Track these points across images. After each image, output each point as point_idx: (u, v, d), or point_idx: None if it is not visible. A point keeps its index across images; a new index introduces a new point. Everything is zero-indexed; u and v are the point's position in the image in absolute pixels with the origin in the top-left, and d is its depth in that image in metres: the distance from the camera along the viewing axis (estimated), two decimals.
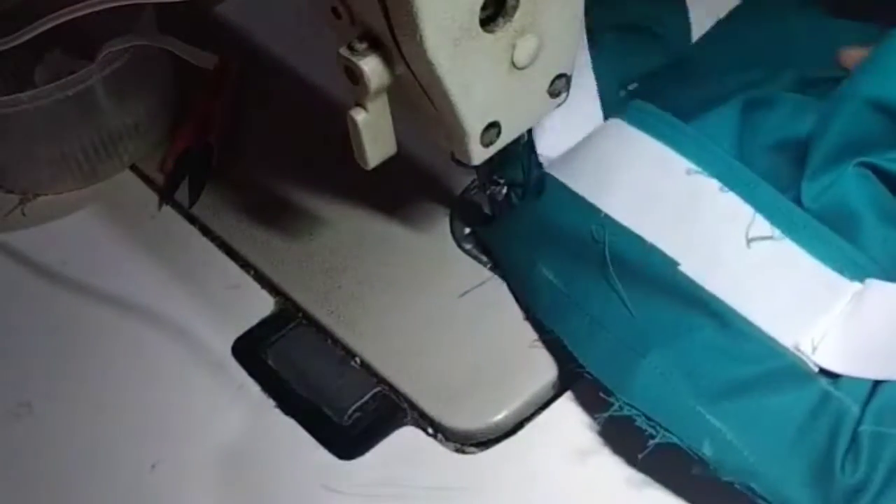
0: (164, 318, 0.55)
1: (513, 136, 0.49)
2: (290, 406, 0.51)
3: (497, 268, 0.54)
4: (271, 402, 0.51)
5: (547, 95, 0.49)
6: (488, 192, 0.54)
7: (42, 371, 0.54)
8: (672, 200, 0.48)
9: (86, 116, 0.61)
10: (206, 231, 0.60)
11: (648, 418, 0.43)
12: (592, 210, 0.49)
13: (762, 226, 0.46)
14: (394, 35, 0.42)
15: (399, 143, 0.48)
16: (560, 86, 0.49)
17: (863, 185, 0.47)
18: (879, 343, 0.43)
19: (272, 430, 0.50)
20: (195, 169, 0.63)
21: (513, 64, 0.45)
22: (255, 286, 0.57)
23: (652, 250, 0.46)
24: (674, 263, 0.46)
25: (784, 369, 0.43)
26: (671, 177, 0.48)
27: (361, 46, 0.43)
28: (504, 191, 0.54)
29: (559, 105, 0.50)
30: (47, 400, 0.53)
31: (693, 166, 0.48)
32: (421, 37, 0.41)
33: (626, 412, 0.43)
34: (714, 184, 0.47)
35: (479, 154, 0.48)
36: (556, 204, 0.51)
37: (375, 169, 0.48)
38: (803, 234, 0.45)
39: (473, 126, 0.46)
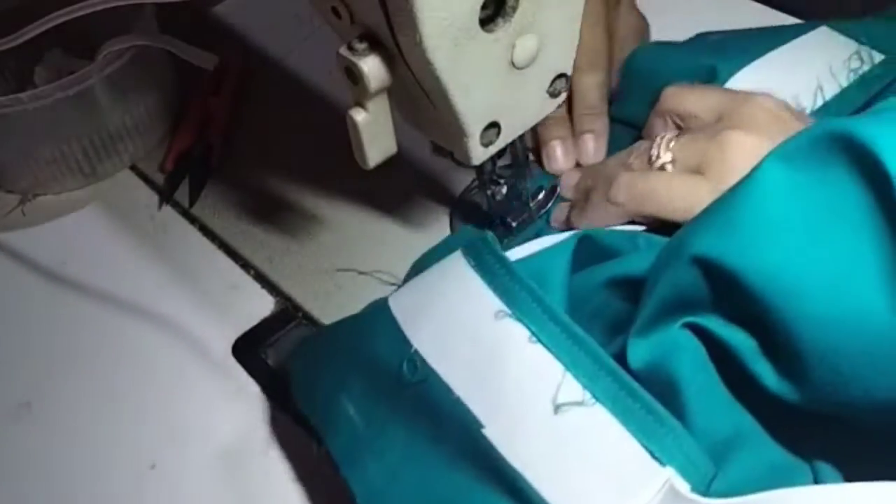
0: (164, 318, 0.55)
1: (513, 136, 0.49)
2: (290, 406, 0.51)
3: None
4: (271, 402, 0.51)
5: (547, 95, 0.49)
6: (488, 191, 0.54)
7: (42, 371, 0.54)
8: (480, 347, 0.40)
9: (86, 116, 0.61)
10: (206, 231, 0.60)
11: None
12: (405, 342, 0.42)
13: (572, 388, 0.38)
14: (394, 35, 0.42)
15: (399, 143, 0.48)
16: (560, 86, 0.49)
17: (686, 350, 0.40)
18: None
19: (272, 430, 0.50)
20: (195, 169, 0.63)
21: (512, 64, 0.45)
22: (255, 286, 0.57)
23: (457, 404, 0.40)
24: (478, 425, 0.39)
25: None
26: (481, 318, 0.41)
27: (361, 46, 0.43)
28: (504, 191, 0.54)
29: (559, 105, 0.50)
30: (47, 400, 0.53)
31: (504, 308, 0.40)
32: (420, 37, 0.41)
33: None
34: (522, 332, 0.39)
35: (478, 154, 0.48)
36: (374, 325, 0.44)
37: (375, 169, 0.48)
38: (618, 402, 0.37)
39: (473, 126, 0.46)
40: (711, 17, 0.66)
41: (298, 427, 0.50)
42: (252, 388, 0.52)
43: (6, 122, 0.60)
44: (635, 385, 0.38)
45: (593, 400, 0.37)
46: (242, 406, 0.51)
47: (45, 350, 0.55)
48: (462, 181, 0.59)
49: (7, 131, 0.61)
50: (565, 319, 0.39)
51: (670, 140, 0.50)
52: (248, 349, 0.54)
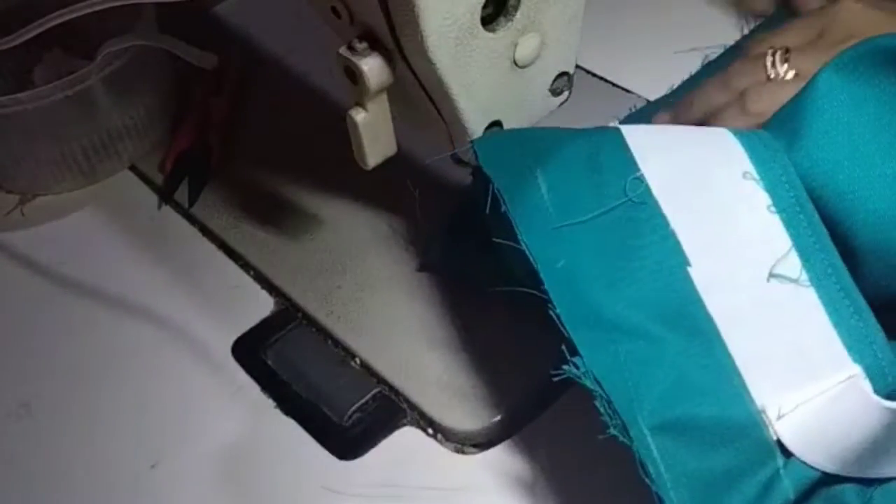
0: (164, 319, 0.55)
1: None
2: (290, 406, 0.51)
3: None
4: (271, 402, 0.51)
5: (548, 94, 0.49)
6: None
7: (42, 371, 0.54)
8: (715, 197, 0.42)
9: (85, 116, 0.61)
10: (205, 231, 0.60)
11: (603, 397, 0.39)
12: (630, 163, 0.43)
13: (792, 264, 0.41)
14: (394, 35, 0.42)
15: (399, 143, 0.48)
16: (562, 84, 0.49)
17: None
18: (842, 440, 0.39)
19: (272, 430, 0.50)
20: (195, 169, 0.63)
21: (514, 63, 0.45)
22: (255, 286, 0.57)
23: (668, 238, 0.41)
24: (685, 262, 0.41)
25: (742, 425, 0.39)
26: (727, 172, 0.43)
27: (361, 46, 0.43)
28: None
29: (561, 104, 0.50)
30: (46, 400, 0.53)
31: (754, 172, 0.42)
32: (422, 36, 0.41)
33: (581, 381, 0.39)
34: (764, 199, 0.42)
35: None
36: (597, 137, 0.45)
37: (375, 169, 0.48)
38: (830, 292, 0.40)
39: (475, 125, 0.46)
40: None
41: (298, 427, 0.50)
42: (252, 388, 0.52)
43: (5, 123, 0.60)
44: (851, 283, 0.40)
45: (808, 281, 0.40)
46: (242, 406, 0.51)
47: (44, 350, 0.55)
48: (462, 181, 0.59)
49: (6, 131, 0.61)
50: (806, 201, 0.41)
51: (784, 55, 0.54)
52: (248, 349, 0.53)
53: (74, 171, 0.63)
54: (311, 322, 0.54)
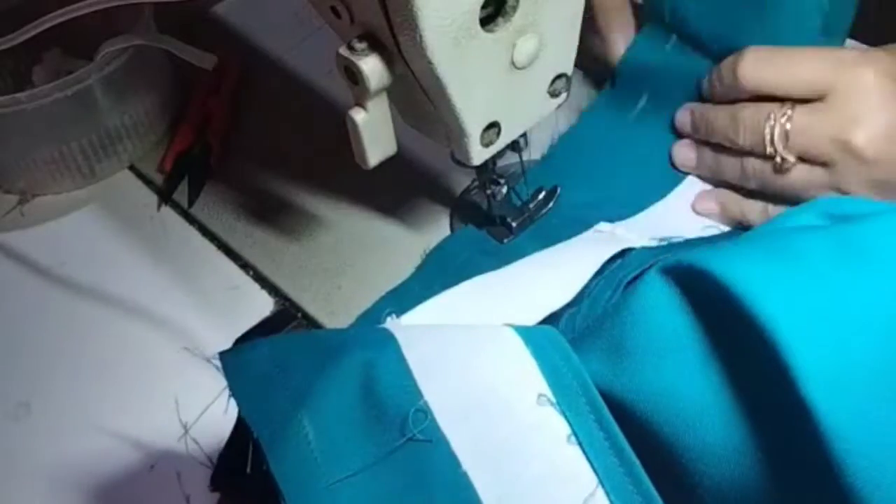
0: (164, 319, 0.55)
1: (513, 136, 0.49)
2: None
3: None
4: None
5: (547, 95, 0.49)
6: (488, 191, 0.54)
7: (41, 371, 0.54)
8: (508, 428, 0.35)
9: (84, 116, 0.61)
10: (205, 231, 0.60)
11: None
12: (412, 389, 0.36)
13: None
14: (393, 35, 0.42)
15: (399, 143, 0.48)
16: (560, 86, 0.48)
17: None
18: None
19: None
20: (195, 169, 0.63)
21: (513, 64, 0.45)
22: (255, 286, 0.57)
23: (461, 481, 0.34)
24: None
25: None
26: (519, 397, 0.35)
27: (361, 46, 0.43)
28: (504, 191, 0.54)
29: (559, 105, 0.50)
30: (46, 400, 0.53)
31: (549, 394, 0.35)
32: (420, 36, 0.41)
33: None
34: (563, 428, 0.34)
35: (478, 154, 0.48)
36: (369, 351, 0.37)
37: (375, 169, 0.48)
38: None
39: (473, 126, 0.46)
40: None
41: None
42: None
43: (5, 123, 0.60)
44: None
45: None
46: None
47: (44, 350, 0.55)
48: (462, 181, 0.59)
49: (5, 131, 0.61)
50: (612, 426, 0.35)
51: (783, 133, 0.50)
52: None
53: (74, 171, 0.63)
54: (311, 322, 0.54)
